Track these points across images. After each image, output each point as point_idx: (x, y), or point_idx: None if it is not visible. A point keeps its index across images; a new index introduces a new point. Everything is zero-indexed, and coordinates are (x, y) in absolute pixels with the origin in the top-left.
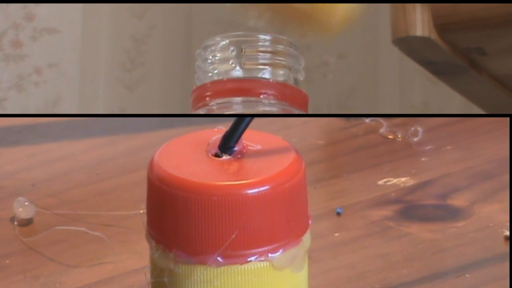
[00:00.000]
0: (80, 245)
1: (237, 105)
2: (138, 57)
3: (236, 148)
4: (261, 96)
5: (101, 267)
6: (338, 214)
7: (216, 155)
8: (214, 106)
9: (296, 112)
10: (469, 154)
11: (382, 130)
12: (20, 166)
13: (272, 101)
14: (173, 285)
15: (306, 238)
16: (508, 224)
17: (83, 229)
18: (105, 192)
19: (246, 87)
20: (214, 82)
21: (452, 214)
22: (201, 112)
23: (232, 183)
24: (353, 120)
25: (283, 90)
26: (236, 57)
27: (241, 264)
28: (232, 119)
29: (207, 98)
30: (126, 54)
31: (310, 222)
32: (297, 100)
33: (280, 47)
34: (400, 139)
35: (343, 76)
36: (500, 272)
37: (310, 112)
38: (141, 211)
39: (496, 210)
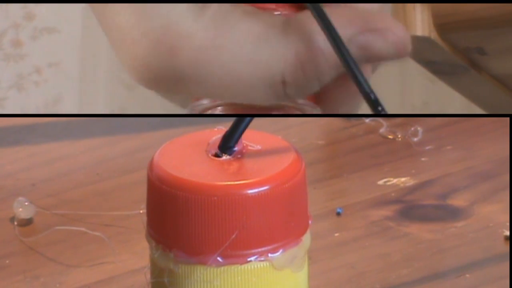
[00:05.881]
0: (80, 245)
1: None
2: None
3: (236, 148)
4: None
5: (101, 267)
6: (338, 214)
7: (216, 155)
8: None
9: (315, 112)
10: (469, 154)
11: (382, 130)
12: (20, 166)
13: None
14: (173, 285)
15: (306, 238)
16: (508, 224)
17: (83, 229)
18: (105, 192)
19: None
20: None
21: (452, 214)
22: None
23: (232, 183)
24: (353, 120)
25: None
26: None
27: (241, 264)
28: (232, 119)
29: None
30: None
31: (310, 222)
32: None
33: None
34: (400, 139)
35: None
36: (500, 272)
37: None
38: (141, 211)
39: (496, 210)
